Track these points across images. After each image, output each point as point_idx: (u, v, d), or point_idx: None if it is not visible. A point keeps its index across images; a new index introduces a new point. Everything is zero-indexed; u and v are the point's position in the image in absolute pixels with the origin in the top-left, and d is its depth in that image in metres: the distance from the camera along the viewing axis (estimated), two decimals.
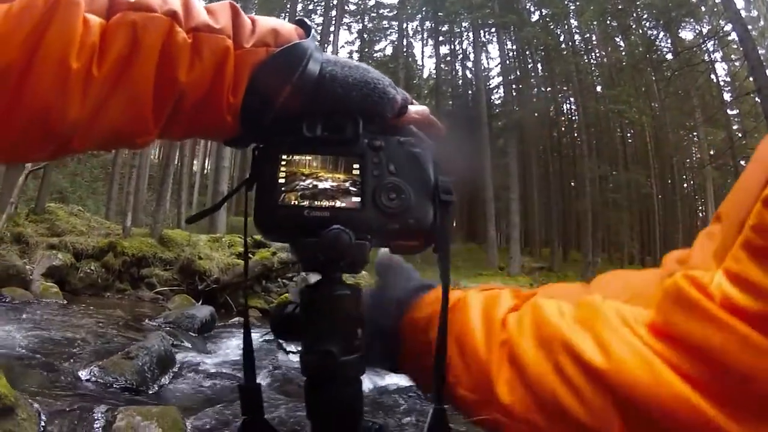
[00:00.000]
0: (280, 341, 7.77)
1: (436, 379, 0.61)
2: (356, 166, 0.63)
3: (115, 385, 5.31)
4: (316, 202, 0.62)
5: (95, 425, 4.05)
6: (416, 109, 0.69)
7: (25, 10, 0.47)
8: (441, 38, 40.87)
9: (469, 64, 40.42)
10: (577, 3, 32.64)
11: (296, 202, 0.62)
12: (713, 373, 0.40)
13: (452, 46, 41.78)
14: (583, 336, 0.49)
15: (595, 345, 0.47)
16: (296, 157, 0.64)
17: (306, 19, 0.67)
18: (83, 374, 5.45)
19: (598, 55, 35.95)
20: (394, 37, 41.92)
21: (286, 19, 0.67)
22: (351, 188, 0.62)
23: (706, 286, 0.43)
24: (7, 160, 0.59)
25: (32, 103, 0.49)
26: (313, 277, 0.63)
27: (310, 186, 0.62)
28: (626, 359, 0.45)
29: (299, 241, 0.61)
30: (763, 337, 0.38)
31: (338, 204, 0.62)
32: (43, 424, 4.01)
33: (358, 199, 0.62)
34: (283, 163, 0.63)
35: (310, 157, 0.64)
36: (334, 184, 0.63)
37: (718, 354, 0.40)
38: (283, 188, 0.62)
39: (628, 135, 36.96)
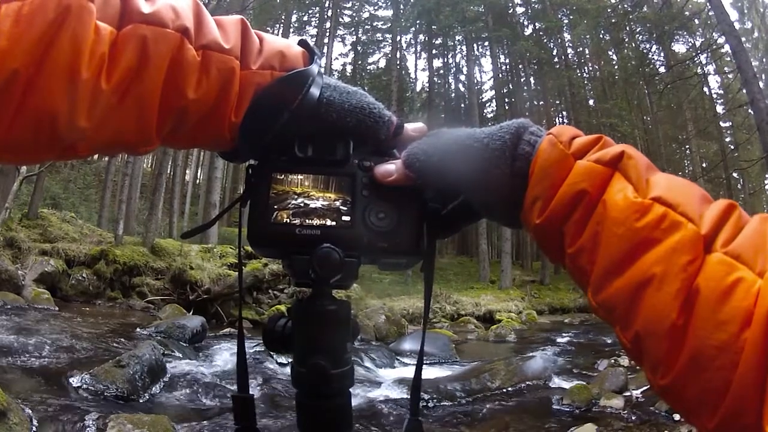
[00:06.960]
0: (272, 353, 7.78)
1: (413, 394, 0.66)
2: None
3: (106, 393, 5.33)
4: (307, 221, 0.63)
5: None
6: (413, 126, 0.70)
7: (36, 13, 0.46)
8: (434, 51, 40.73)
9: (462, 78, 40.25)
10: (571, 17, 32.70)
11: (288, 220, 0.63)
12: None
13: (445, 59, 41.77)
14: None
15: None
16: (289, 176, 0.65)
17: (310, 42, 0.69)
18: (74, 381, 5.48)
19: (590, 68, 36.19)
20: (387, 49, 41.80)
21: (280, 30, 0.63)
22: (341, 207, 0.64)
23: None
24: (15, 159, 0.57)
25: (40, 110, 0.49)
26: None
27: (302, 204, 0.64)
28: None
29: (291, 258, 0.62)
30: None
31: (329, 222, 0.63)
32: (34, 429, 4.03)
33: (348, 218, 0.64)
34: (276, 181, 0.65)
35: (302, 177, 0.65)
36: (325, 203, 0.64)
37: None
38: (275, 206, 0.64)
39: None
